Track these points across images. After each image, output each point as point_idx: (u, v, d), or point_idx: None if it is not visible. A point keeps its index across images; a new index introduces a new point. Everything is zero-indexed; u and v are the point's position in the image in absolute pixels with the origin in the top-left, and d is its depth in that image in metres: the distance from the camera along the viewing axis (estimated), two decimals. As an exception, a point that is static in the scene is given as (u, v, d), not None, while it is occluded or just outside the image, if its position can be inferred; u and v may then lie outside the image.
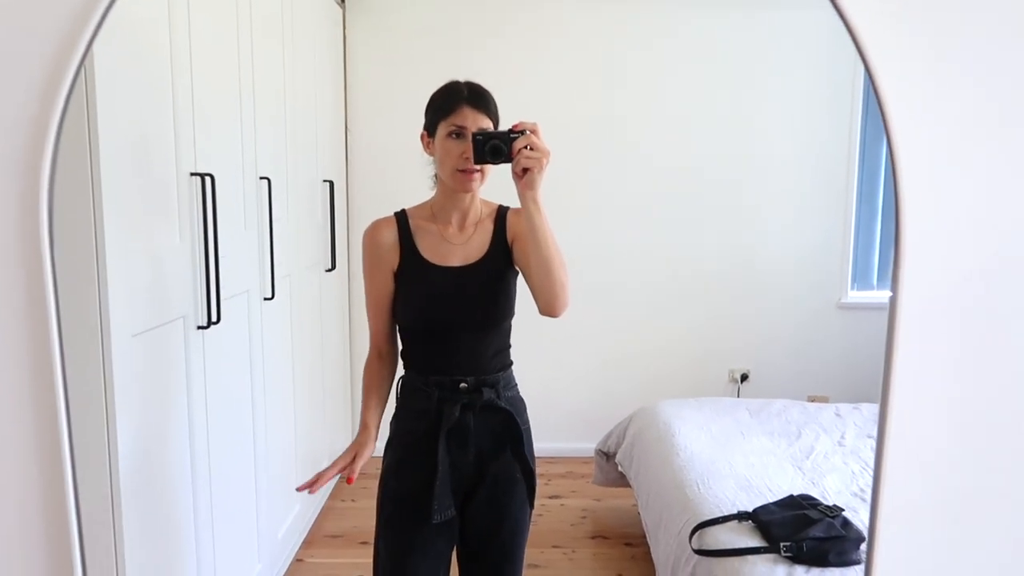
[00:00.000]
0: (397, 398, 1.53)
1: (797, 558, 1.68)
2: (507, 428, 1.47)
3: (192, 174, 1.74)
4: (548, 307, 1.38)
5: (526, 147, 1.28)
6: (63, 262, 0.96)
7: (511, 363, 1.52)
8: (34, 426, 0.91)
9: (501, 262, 1.46)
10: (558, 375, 3.45)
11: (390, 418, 1.54)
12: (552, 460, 3.30)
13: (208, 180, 1.78)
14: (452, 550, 1.53)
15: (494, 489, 1.48)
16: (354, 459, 1.43)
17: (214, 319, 1.82)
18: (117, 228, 1.40)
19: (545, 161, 1.29)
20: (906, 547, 1.02)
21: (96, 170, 1.35)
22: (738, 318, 3.49)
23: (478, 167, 1.38)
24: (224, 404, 1.95)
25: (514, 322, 1.52)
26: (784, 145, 3.39)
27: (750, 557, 1.71)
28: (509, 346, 1.51)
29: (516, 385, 1.53)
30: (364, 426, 1.48)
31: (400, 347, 1.53)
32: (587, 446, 3.12)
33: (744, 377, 3.52)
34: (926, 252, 0.97)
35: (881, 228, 3.43)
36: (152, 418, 1.60)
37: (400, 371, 1.53)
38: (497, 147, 1.31)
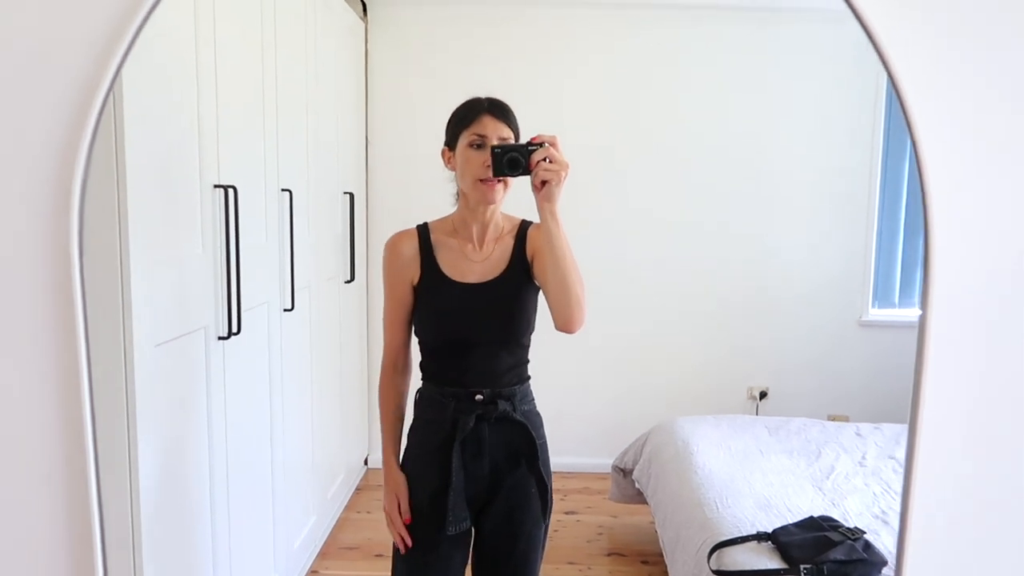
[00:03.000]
0: (414, 409, 1.53)
1: (817, 581, 1.65)
2: (522, 442, 1.47)
3: (215, 186, 1.76)
4: (564, 323, 1.37)
5: (545, 159, 1.29)
6: (87, 272, 0.98)
7: (528, 377, 1.52)
8: (61, 434, 0.91)
9: (520, 279, 1.45)
10: (575, 390, 3.44)
11: (407, 430, 1.55)
12: (568, 475, 3.28)
13: (231, 192, 1.79)
14: (467, 561, 1.52)
15: (509, 503, 1.47)
16: (402, 503, 1.48)
17: (235, 330, 1.83)
18: (141, 239, 1.42)
19: (564, 174, 1.29)
20: (936, 569, 0.99)
21: (122, 181, 1.37)
22: (757, 335, 3.46)
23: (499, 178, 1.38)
24: (243, 415, 1.96)
25: (532, 336, 1.52)
26: (805, 162, 3.37)
27: (769, 578, 1.69)
28: (527, 361, 1.51)
29: (533, 400, 1.53)
30: (390, 465, 1.50)
31: (420, 361, 1.53)
32: (604, 462, 3.10)
33: (763, 395, 3.49)
34: (955, 268, 0.96)
35: (903, 246, 3.39)
36: (172, 427, 1.61)
37: (417, 382, 1.54)
38: (515, 159, 1.31)
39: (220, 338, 1.80)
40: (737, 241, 3.42)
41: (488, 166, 1.35)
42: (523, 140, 1.38)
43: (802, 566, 1.67)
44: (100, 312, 1.36)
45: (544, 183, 1.29)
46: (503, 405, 1.44)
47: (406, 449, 1.53)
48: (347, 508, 3.03)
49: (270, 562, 2.20)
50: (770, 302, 3.45)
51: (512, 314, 1.45)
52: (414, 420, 1.53)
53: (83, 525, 0.93)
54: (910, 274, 3.41)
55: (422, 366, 1.52)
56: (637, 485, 2.69)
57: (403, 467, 1.51)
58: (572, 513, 3.00)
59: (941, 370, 0.98)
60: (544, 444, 1.51)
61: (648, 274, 3.44)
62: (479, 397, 1.44)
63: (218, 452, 1.82)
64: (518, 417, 1.46)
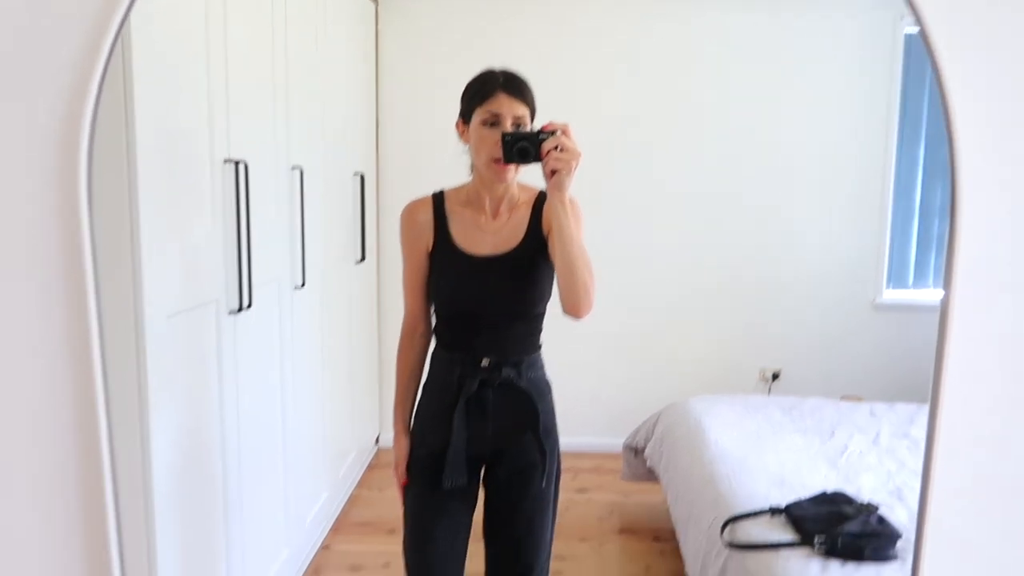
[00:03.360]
0: (428, 370, 1.55)
1: (831, 553, 1.64)
2: (525, 408, 1.47)
3: (226, 161, 1.76)
4: (571, 308, 1.38)
5: (556, 148, 1.28)
6: (99, 242, 0.97)
7: (539, 347, 1.52)
8: (73, 402, 0.91)
9: (533, 253, 1.45)
10: (587, 371, 3.43)
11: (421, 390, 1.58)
12: (580, 455, 3.28)
13: (241, 167, 1.79)
14: (471, 518, 1.55)
15: (512, 466, 1.50)
16: (400, 466, 1.54)
17: (245, 304, 1.84)
18: (151, 209, 1.42)
19: (574, 163, 1.30)
20: (954, 544, 0.98)
21: (132, 151, 1.37)
22: (770, 316, 3.44)
23: None
24: (254, 389, 1.97)
25: (546, 319, 1.52)
26: (819, 141, 3.34)
27: (783, 551, 1.68)
28: (540, 330, 1.51)
29: (543, 367, 1.53)
30: (398, 431, 1.55)
31: (434, 323, 1.55)
32: (615, 441, 3.09)
33: (775, 376, 3.47)
34: (979, 250, 0.93)
35: (919, 227, 3.36)
36: (185, 399, 1.62)
37: (433, 344, 1.56)
38: (525, 149, 1.31)
39: (231, 312, 1.80)
40: (751, 222, 3.39)
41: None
42: (538, 115, 1.37)
43: (816, 538, 1.66)
44: (112, 282, 1.37)
45: (554, 172, 1.29)
46: (508, 372, 1.45)
47: (416, 408, 1.56)
48: (359, 485, 3.04)
49: (282, 535, 2.22)
50: (783, 283, 3.42)
51: (523, 288, 1.45)
52: (425, 381, 1.56)
53: (97, 496, 0.93)
54: (925, 255, 3.38)
55: (435, 329, 1.54)
56: (649, 464, 2.69)
57: (412, 425, 1.55)
58: (584, 491, 3.00)
59: (962, 349, 0.96)
60: (549, 411, 1.52)
61: (660, 255, 3.42)
62: (485, 363, 1.45)
63: (230, 425, 1.82)
64: (522, 385, 1.47)
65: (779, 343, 3.45)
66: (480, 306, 1.45)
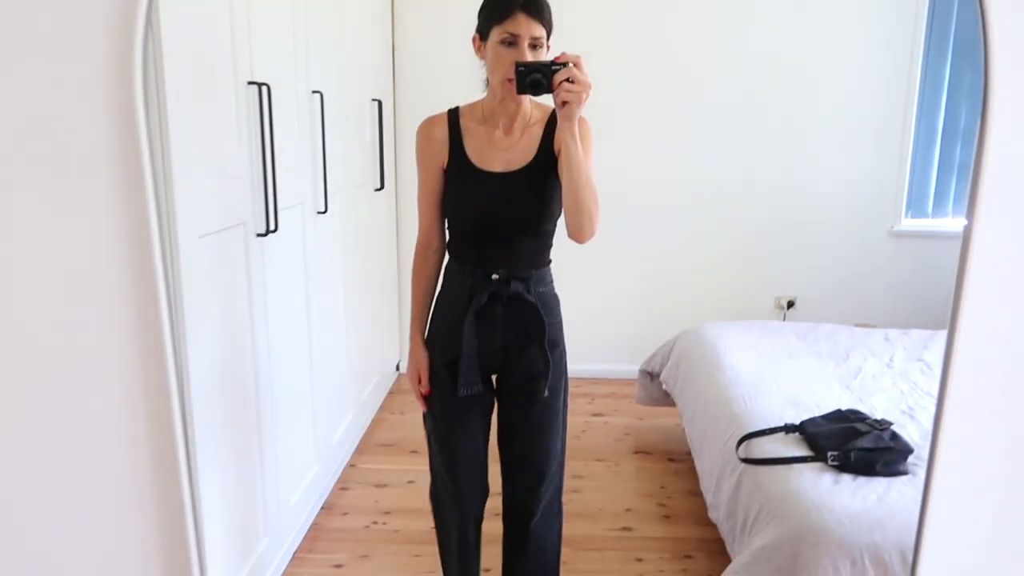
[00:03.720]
0: (441, 281, 1.61)
1: (844, 467, 1.70)
2: (532, 321, 1.53)
3: (249, 83, 1.76)
4: (575, 232, 1.43)
5: (567, 80, 1.30)
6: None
7: (549, 261, 1.58)
8: (134, 298, 0.94)
9: (545, 170, 1.48)
10: (603, 300, 3.47)
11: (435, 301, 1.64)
12: (596, 381, 3.35)
13: (264, 89, 1.79)
14: (488, 422, 1.64)
15: (520, 375, 1.57)
16: (423, 376, 1.60)
17: (272, 228, 1.86)
18: (179, 131, 1.43)
19: (585, 95, 1.32)
20: (966, 464, 1.01)
21: (160, 72, 1.37)
22: (786, 244, 3.44)
23: None
24: (281, 313, 2.02)
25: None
26: (839, 62, 3.27)
27: (796, 466, 1.74)
28: (550, 246, 1.56)
29: (551, 282, 1.59)
30: (415, 341, 1.61)
31: (448, 237, 1.60)
32: (630, 368, 3.16)
33: (790, 304, 3.50)
34: (1007, 178, 0.93)
35: (940, 152, 3.31)
36: (217, 320, 1.66)
37: (447, 258, 1.61)
38: (538, 81, 1.33)
39: (259, 235, 1.83)
40: (769, 149, 3.36)
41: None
42: (556, 41, 1.38)
43: (829, 453, 1.71)
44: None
45: (565, 103, 1.32)
46: (516, 286, 1.51)
47: (431, 317, 1.62)
48: (381, 409, 3.13)
49: (311, 453, 2.30)
50: (801, 211, 3.41)
51: (534, 204, 1.49)
52: (439, 292, 1.61)
53: (164, 411, 0.97)
54: (945, 183, 3.34)
55: (449, 244, 1.59)
56: (664, 387, 2.75)
57: (427, 335, 1.61)
58: (600, 415, 3.07)
59: (983, 277, 0.96)
60: (557, 324, 1.58)
61: (676, 183, 3.40)
62: (495, 277, 1.50)
63: (260, 346, 1.88)
64: (530, 298, 1.52)
65: (795, 271, 3.46)
66: (492, 221, 1.50)
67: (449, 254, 1.60)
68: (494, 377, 1.62)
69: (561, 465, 1.65)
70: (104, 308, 0.93)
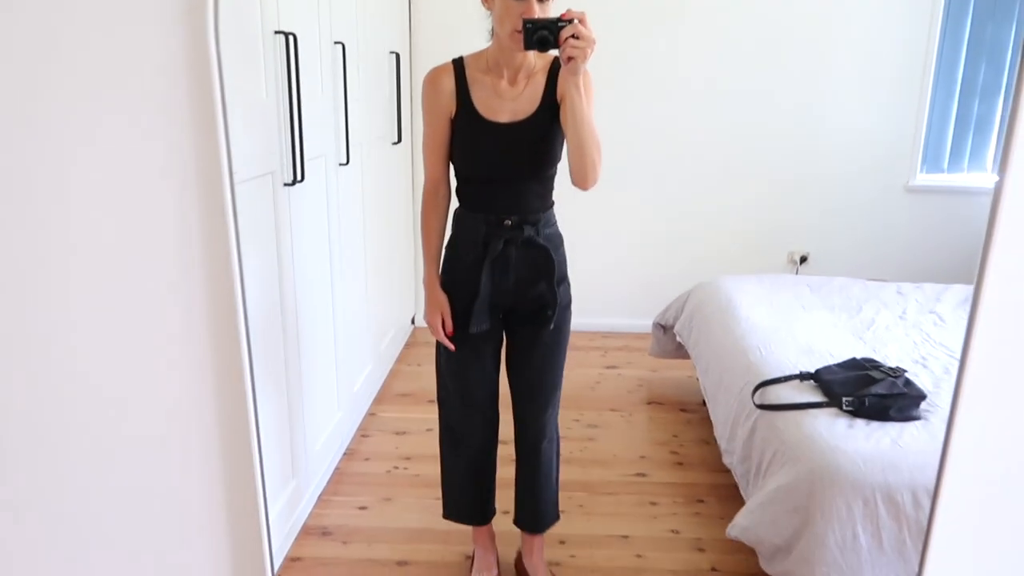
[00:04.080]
0: (451, 227, 1.67)
1: (858, 413, 1.75)
2: (543, 261, 1.63)
3: (276, 32, 1.77)
4: (579, 180, 1.52)
5: (573, 36, 1.36)
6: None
7: (552, 204, 1.67)
8: (203, 246, 0.98)
9: (549, 119, 1.55)
10: (616, 255, 3.49)
11: (444, 245, 1.70)
12: (609, 335, 3.40)
13: (291, 39, 1.81)
14: (498, 354, 1.75)
15: (531, 309, 1.67)
16: (446, 319, 1.66)
17: (299, 177, 1.89)
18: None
19: (589, 51, 1.38)
20: (987, 404, 1.04)
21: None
22: (800, 198, 3.45)
23: None
24: (307, 261, 2.06)
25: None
26: (858, 14, 3.24)
27: (811, 411, 1.78)
28: (552, 189, 1.65)
29: (555, 223, 1.68)
30: (432, 286, 1.67)
31: (456, 186, 1.66)
32: (643, 322, 3.20)
33: (803, 259, 3.52)
34: None
35: (958, 108, 3.30)
36: (248, 267, 1.70)
37: (455, 204, 1.67)
38: (544, 38, 1.39)
39: (286, 184, 1.86)
40: (784, 102, 3.35)
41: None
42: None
43: (844, 399, 1.76)
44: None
45: (571, 58, 1.39)
46: (528, 231, 1.60)
47: (444, 262, 1.69)
48: (398, 361, 3.19)
49: (334, 402, 2.36)
50: (815, 165, 3.42)
51: (540, 152, 1.57)
52: (450, 238, 1.68)
53: (230, 327, 1.02)
54: (962, 138, 3.34)
55: (458, 191, 1.65)
56: (678, 339, 2.79)
57: (441, 279, 1.68)
58: (613, 367, 3.13)
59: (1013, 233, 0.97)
60: (562, 261, 1.68)
61: (691, 137, 3.40)
62: (508, 223, 1.59)
63: (287, 294, 1.92)
64: (541, 241, 1.61)
65: (808, 226, 3.48)
66: (501, 169, 1.57)
67: (459, 202, 1.65)
68: (501, 314, 1.70)
69: (559, 388, 1.78)
70: (169, 235, 0.97)
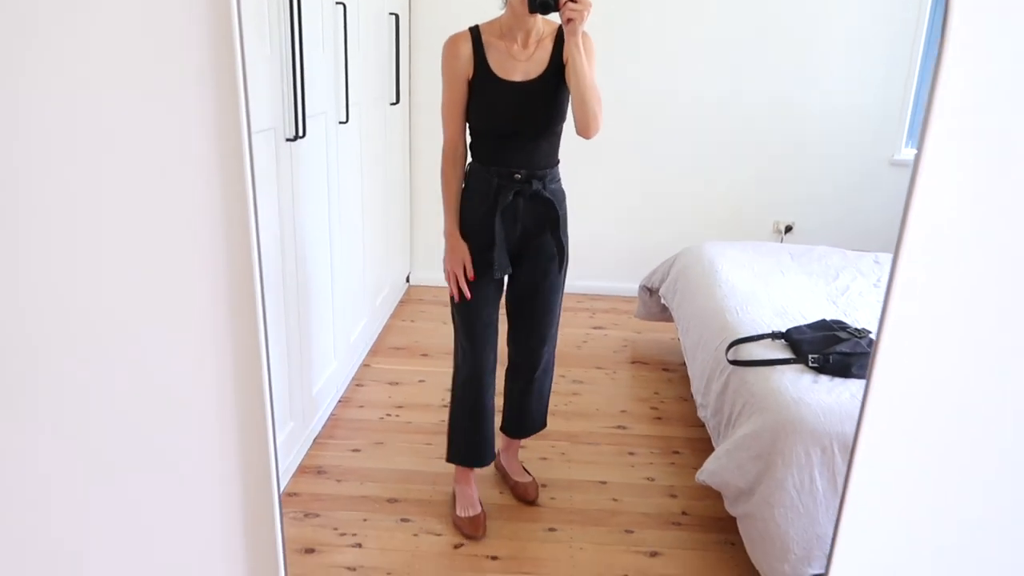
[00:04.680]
0: (465, 180, 1.83)
1: (823, 369, 1.86)
2: (548, 213, 1.82)
3: (279, -10, 1.84)
4: (582, 129, 1.71)
5: (571, 0, 1.56)
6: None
7: (558, 161, 1.85)
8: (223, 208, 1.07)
9: (557, 78, 1.73)
10: (605, 220, 3.58)
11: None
12: (596, 297, 3.50)
13: (294, -2, 1.87)
14: (500, 299, 1.93)
15: (536, 258, 1.88)
16: (468, 266, 1.83)
17: (300, 133, 1.97)
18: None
19: (586, 13, 1.58)
20: (904, 370, 1.13)
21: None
22: (787, 169, 3.53)
23: None
24: (307, 215, 2.15)
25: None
26: (854, -8, 3.29)
27: (780, 367, 1.90)
28: (558, 147, 1.84)
29: (560, 180, 1.87)
30: (453, 235, 1.84)
31: (469, 141, 1.82)
32: (630, 286, 3.31)
33: (788, 229, 3.62)
34: (960, 111, 1.02)
35: (945, 84, 3.36)
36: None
37: (468, 160, 1.84)
38: (547, 2, 1.60)
39: (287, 140, 1.95)
40: (772, 73, 3.42)
41: None
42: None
43: (810, 356, 1.87)
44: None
45: (570, 20, 1.58)
46: (536, 184, 1.79)
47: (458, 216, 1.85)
48: (393, 317, 3.30)
49: (330, 351, 2.47)
50: (803, 137, 3.50)
51: (549, 108, 1.75)
52: (464, 190, 1.83)
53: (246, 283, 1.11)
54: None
55: (472, 147, 1.81)
56: (663, 301, 2.90)
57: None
58: (600, 328, 3.24)
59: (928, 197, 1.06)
60: (565, 215, 1.88)
61: (679, 105, 3.47)
62: (518, 176, 1.77)
63: (288, 244, 2.02)
64: (547, 194, 1.81)
65: (794, 197, 3.57)
66: (514, 125, 1.75)
67: (473, 158, 1.81)
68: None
69: (557, 328, 1.98)
70: (189, 186, 1.06)
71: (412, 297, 3.55)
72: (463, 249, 1.82)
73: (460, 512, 1.99)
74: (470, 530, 1.95)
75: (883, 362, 1.14)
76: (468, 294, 1.83)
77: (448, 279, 1.86)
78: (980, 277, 1.09)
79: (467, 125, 1.80)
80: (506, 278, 1.91)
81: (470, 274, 1.82)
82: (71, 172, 1.05)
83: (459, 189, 1.83)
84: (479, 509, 1.99)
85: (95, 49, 1.00)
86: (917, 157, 1.06)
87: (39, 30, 1.00)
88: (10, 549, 1.22)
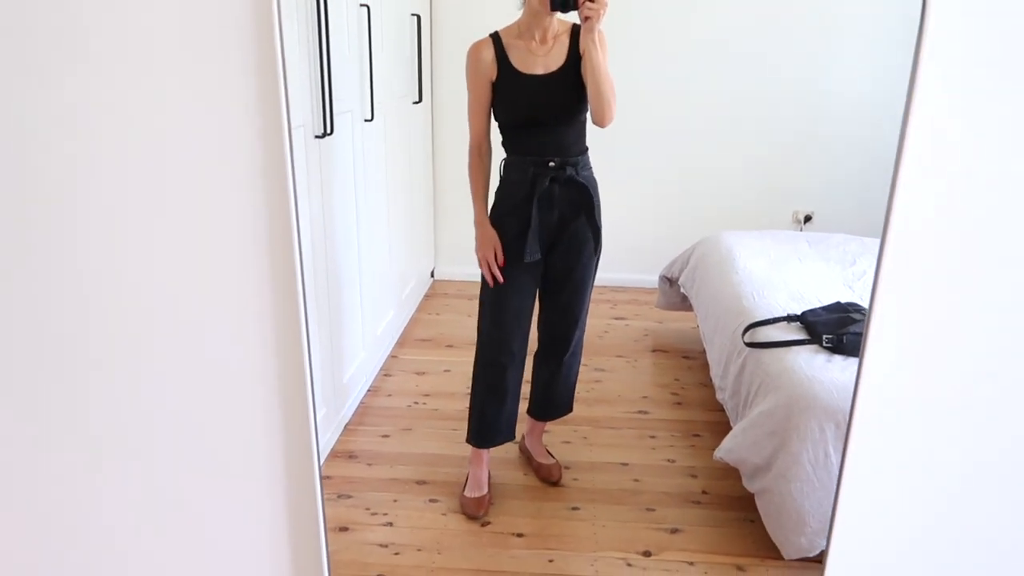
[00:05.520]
0: (502, 173, 1.94)
1: (836, 349, 1.91)
2: (583, 198, 1.93)
3: (307, -6, 1.93)
4: (597, 118, 1.82)
5: (589, 0, 1.69)
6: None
7: (587, 149, 1.96)
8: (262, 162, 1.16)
9: (573, 71, 1.84)
10: (625, 213, 3.61)
11: (494, 189, 1.97)
12: (618, 289, 3.56)
13: (321, 1, 1.96)
14: (536, 288, 2.01)
15: (571, 242, 1.97)
16: (498, 251, 1.93)
17: (328, 131, 2.06)
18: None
19: (603, 11, 1.71)
20: (895, 340, 1.19)
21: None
22: (805, 158, 3.56)
23: None
24: (335, 210, 2.24)
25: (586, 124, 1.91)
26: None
27: (794, 348, 1.95)
28: (585, 135, 1.94)
29: (591, 168, 1.98)
30: (483, 224, 1.95)
31: (502, 139, 1.92)
32: (650, 278, 3.36)
33: (808, 219, 3.64)
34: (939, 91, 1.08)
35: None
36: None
37: (502, 154, 1.94)
38: (566, 1, 1.72)
39: (316, 136, 2.04)
40: (790, 62, 3.44)
41: None
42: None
43: (824, 336, 1.92)
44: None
45: (587, 18, 1.71)
46: (569, 171, 1.90)
47: (494, 204, 1.95)
48: (418, 310, 3.38)
49: (359, 342, 2.56)
50: (820, 126, 3.52)
51: (570, 98, 1.85)
52: (501, 182, 1.94)
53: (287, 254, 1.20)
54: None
55: (505, 143, 1.91)
56: (683, 290, 2.95)
57: (491, 215, 1.94)
58: (621, 319, 3.30)
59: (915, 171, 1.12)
60: (598, 201, 1.97)
61: (698, 96, 3.51)
62: (552, 163, 1.88)
63: (318, 238, 2.11)
64: (580, 180, 1.91)
65: (813, 186, 3.59)
66: (541, 113, 1.86)
67: (508, 151, 1.92)
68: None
69: (587, 313, 2.07)
70: (230, 183, 1.15)
71: (437, 291, 3.64)
72: (493, 236, 1.92)
73: (467, 492, 2.08)
74: (471, 509, 2.03)
75: (874, 339, 1.19)
76: (501, 278, 1.92)
77: (481, 266, 1.96)
78: (965, 256, 1.16)
79: (497, 123, 1.92)
80: (543, 267, 1.99)
81: (500, 260, 1.91)
82: (126, 170, 1.14)
83: (485, 180, 1.94)
84: (485, 491, 2.08)
85: (153, 54, 1.09)
86: (901, 136, 1.12)
87: (97, 36, 1.09)
88: (61, 527, 1.32)
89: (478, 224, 1.95)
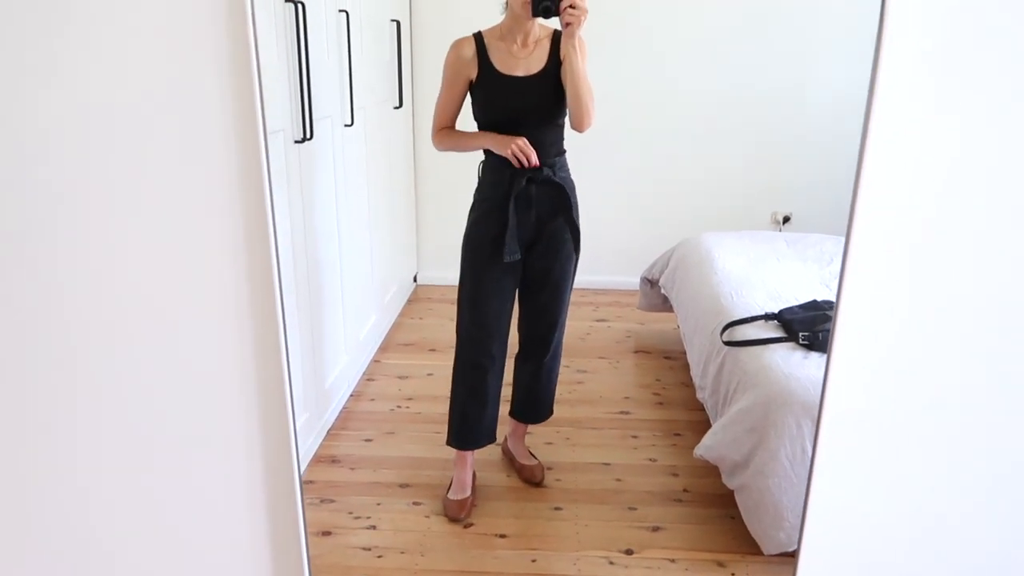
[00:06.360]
0: (480, 175, 1.96)
1: (813, 346, 1.94)
2: (560, 198, 1.94)
3: (286, 0, 1.94)
4: (576, 123, 1.86)
5: (570, 6, 1.71)
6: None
7: (565, 151, 1.98)
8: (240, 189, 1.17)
9: (553, 75, 1.87)
10: (606, 215, 3.63)
11: (472, 191, 1.98)
12: (599, 292, 3.58)
13: (299, 7, 1.97)
14: (515, 290, 2.01)
15: (549, 243, 1.98)
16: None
17: (308, 135, 2.07)
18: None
19: (583, 18, 1.74)
20: (863, 328, 1.21)
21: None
22: (784, 159, 3.60)
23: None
24: (315, 215, 2.24)
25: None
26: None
27: (771, 346, 1.98)
28: (563, 138, 1.96)
29: (568, 169, 2.00)
30: (492, 137, 1.88)
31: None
32: (631, 280, 3.39)
33: (786, 219, 3.68)
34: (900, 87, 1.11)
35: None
36: (264, 214, 1.89)
37: (480, 157, 1.96)
38: (548, 7, 1.74)
39: (296, 141, 2.04)
40: (770, 64, 3.48)
41: None
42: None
43: (801, 334, 1.95)
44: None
45: (568, 24, 1.73)
46: (546, 171, 1.91)
47: (473, 205, 1.96)
48: (401, 315, 3.38)
49: (341, 347, 2.56)
50: (799, 127, 3.56)
51: (548, 101, 1.88)
52: (479, 184, 1.96)
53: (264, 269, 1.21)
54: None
55: None
56: (663, 291, 2.98)
57: (469, 216, 1.95)
58: (603, 321, 3.32)
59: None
60: (576, 202, 1.99)
61: (677, 98, 3.54)
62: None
63: (298, 242, 2.11)
64: (557, 180, 1.93)
65: (792, 187, 3.63)
66: (521, 115, 1.87)
67: (486, 153, 1.93)
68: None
69: (566, 315, 2.09)
70: (209, 183, 1.16)
71: (420, 296, 3.64)
72: (507, 137, 1.85)
73: (450, 495, 2.09)
74: (453, 512, 2.04)
75: (841, 335, 1.21)
76: (535, 159, 1.84)
77: (518, 153, 1.84)
78: (928, 253, 1.19)
79: (476, 123, 1.93)
80: (521, 268, 2.00)
81: (527, 148, 1.83)
82: (100, 175, 1.15)
83: (461, 133, 1.94)
84: (468, 494, 2.09)
85: (130, 60, 1.10)
86: (863, 135, 1.15)
87: (76, 38, 1.09)
88: (44, 529, 1.32)
89: (493, 140, 1.86)
